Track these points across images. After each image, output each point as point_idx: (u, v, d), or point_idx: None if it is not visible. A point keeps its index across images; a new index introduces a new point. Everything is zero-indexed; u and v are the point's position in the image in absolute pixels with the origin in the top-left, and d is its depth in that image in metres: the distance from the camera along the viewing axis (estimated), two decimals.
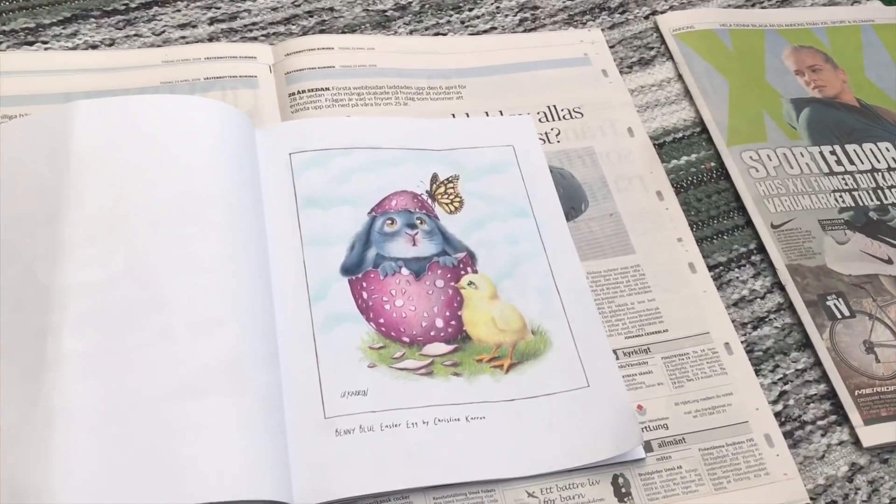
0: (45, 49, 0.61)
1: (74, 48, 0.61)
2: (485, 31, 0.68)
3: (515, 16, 0.69)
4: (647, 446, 0.49)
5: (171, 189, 0.50)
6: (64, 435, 0.42)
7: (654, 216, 0.59)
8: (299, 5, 0.67)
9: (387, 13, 0.68)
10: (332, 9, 0.67)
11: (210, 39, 0.64)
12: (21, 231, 0.48)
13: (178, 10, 0.65)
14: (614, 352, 0.52)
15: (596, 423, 0.48)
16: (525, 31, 0.69)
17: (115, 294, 0.46)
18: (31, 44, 0.61)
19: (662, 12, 0.71)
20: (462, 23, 0.68)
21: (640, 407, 0.50)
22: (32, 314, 0.45)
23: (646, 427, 0.50)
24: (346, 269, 0.52)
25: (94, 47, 0.62)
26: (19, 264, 0.47)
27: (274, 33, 0.65)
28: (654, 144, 0.63)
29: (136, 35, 0.63)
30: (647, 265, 0.56)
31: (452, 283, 0.53)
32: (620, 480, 0.48)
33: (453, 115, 0.62)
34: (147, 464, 0.42)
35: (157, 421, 0.43)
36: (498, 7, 0.70)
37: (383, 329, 0.51)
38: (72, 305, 0.45)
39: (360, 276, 0.52)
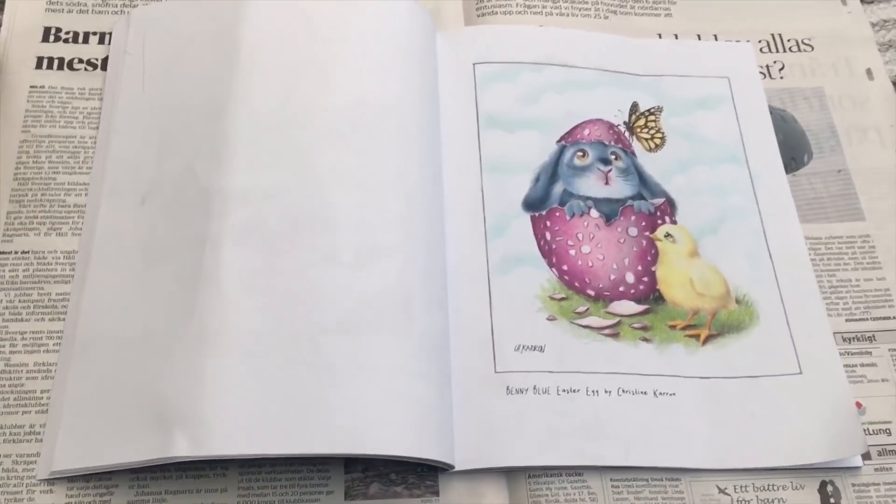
0: None
1: None
2: None
3: None
4: (866, 455, 0.41)
5: (346, 92, 0.44)
6: (217, 358, 0.38)
7: (891, 179, 0.49)
8: None
9: None
10: None
11: None
12: (185, 122, 0.44)
13: None
14: (833, 336, 0.44)
15: (808, 419, 0.41)
16: None
17: (279, 205, 0.41)
18: None
19: None
20: None
21: (858, 405, 0.43)
22: (192, 218, 0.41)
23: (865, 430, 0.42)
24: (529, 205, 0.46)
25: None
26: (182, 160, 0.43)
27: None
28: None
29: None
30: (880, 237, 0.47)
31: (647, 233, 0.46)
32: (830, 489, 0.41)
33: (659, 36, 0.54)
34: (301, 402, 0.37)
35: (316, 355, 0.38)
36: None
37: (567, 278, 0.44)
38: (233, 214, 0.41)
39: (544, 213, 0.46)
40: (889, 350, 0.44)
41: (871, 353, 0.44)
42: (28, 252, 0.43)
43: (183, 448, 0.36)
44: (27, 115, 0.47)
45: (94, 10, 0.51)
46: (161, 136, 0.45)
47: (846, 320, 0.45)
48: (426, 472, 0.40)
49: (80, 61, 0.49)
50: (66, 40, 0.49)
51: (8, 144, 0.46)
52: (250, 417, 0.37)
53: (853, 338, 0.45)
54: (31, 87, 0.48)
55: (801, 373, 0.43)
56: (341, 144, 0.43)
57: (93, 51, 0.49)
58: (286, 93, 0.44)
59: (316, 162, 0.42)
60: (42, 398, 0.40)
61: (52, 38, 0.49)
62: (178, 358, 0.38)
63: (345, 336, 0.39)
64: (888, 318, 0.45)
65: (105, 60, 0.49)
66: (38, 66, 0.48)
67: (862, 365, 0.44)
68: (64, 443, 0.38)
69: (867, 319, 0.45)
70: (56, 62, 0.49)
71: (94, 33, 0.50)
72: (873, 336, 0.45)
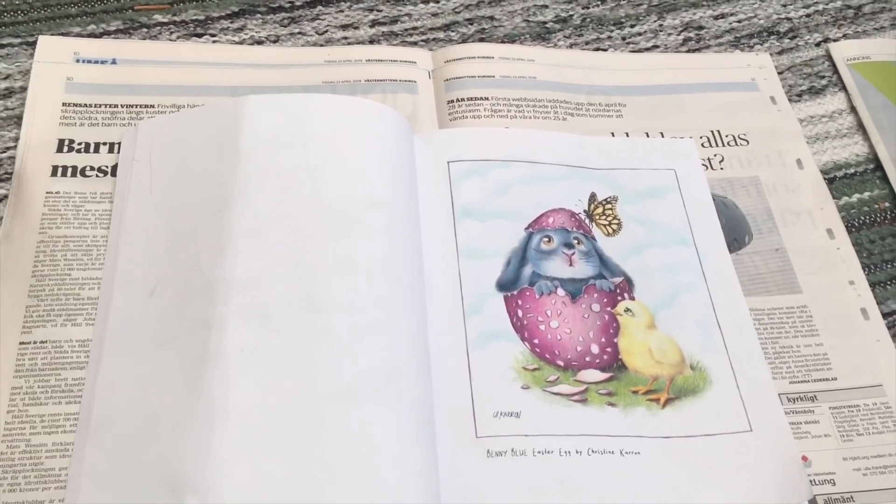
0: (213, 42, 0.62)
1: (241, 42, 0.62)
2: (646, 50, 0.66)
3: (679, 35, 0.67)
4: (813, 502, 0.46)
5: (335, 189, 0.50)
6: (224, 429, 0.42)
7: (823, 255, 0.55)
8: (459, 12, 0.66)
9: (547, 25, 0.66)
10: (492, 17, 0.66)
11: (371, 41, 0.64)
12: (190, 220, 0.49)
13: (342, 11, 0.65)
14: (779, 396, 0.49)
15: (759, 471, 0.46)
16: (689, 51, 0.66)
17: (277, 290, 0.46)
18: (199, 35, 0.62)
19: (836, 40, 0.67)
20: (623, 39, 0.66)
21: (804, 458, 0.47)
22: (197, 304, 0.46)
23: (811, 480, 0.46)
24: (502, 285, 0.51)
25: (260, 42, 0.62)
26: (187, 253, 0.48)
27: (434, 39, 0.65)
28: (824, 179, 0.59)
29: (299, 33, 0.63)
30: (816, 307, 0.53)
31: (609, 309, 0.51)
32: None
33: (612, 134, 0.60)
34: (302, 465, 0.41)
35: (314, 422, 0.42)
36: (661, 25, 0.67)
37: (538, 350, 0.49)
38: (235, 299, 0.45)
39: (515, 292, 0.51)
40: (830, 408, 0.49)
41: (813, 411, 0.49)
42: (46, 342, 0.47)
43: None
44: (44, 218, 0.51)
45: (104, 123, 0.56)
46: (168, 233, 0.49)
47: (790, 382, 0.50)
48: None
49: (92, 168, 0.54)
50: (78, 150, 0.55)
51: (27, 245, 0.50)
52: (255, 480, 0.40)
53: (797, 398, 0.50)
54: (48, 192, 0.52)
55: (751, 430, 0.47)
56: (333, 235, 0.48)
57: (103, 159, 0.54)
58: (282, 190, 0.49)
59: (311, 251, 0.47)
60: (60, 475, 0.43)
61: (66, 148, 0.55)
62: (187, 431, 0.42)
63: (341, 405, 0.43)
64: (827, 379, 0.50)
65: (115, 167, 0.54)
66: (54, 174, 0.53)
67: (806, 422, 0.49)
68: None
69: (808, 381, 0.50)
70: (70, 170, 0.54)
71: (105, 143, 0.55)
72: (815, 396, 0.50)
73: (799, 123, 0.62)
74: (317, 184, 0.50)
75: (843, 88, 0.65)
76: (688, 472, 0.46)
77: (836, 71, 0.66)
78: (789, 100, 0.63)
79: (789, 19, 0.69)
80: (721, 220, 0.56)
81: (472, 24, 0.66)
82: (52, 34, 0.60)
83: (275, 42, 0.62)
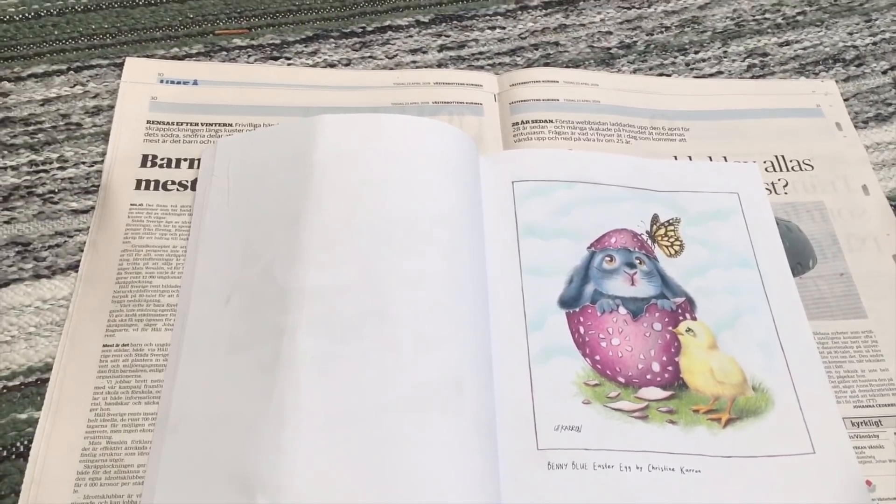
0: (289, 64, 0.65)
1: (314, 65, 0.65)
2: (710, 76, 0.67)
3: (743, 61, 0.68)
4: None
5: (403, 205, 0.51)
6: (293, 433, 0.43)
7: (889, 281, 0.55)
8: (525, 38, 0.68)
9: (611, 51, 0.68)
10: (557, 43, 0.68)
11: (438, 65, 0.66)
12: (264, 232, 0.51)
13: (411, 36, 0.67)
14: (843, 420, 0.49)
15: (822, 493, 0.46)
16: (753, 77, 0.67)
17: (346, 300, 0.47)
18: (275, 59, 0.65)
19: None
20: (687, 65, 0.67)
21: (868, 482, 0.47)
22: (270, 312, 0.48)
23: None
24: (564, 302, 0.52)
25: (332, 66, 0.65)
26: (261, 263, 0.50)
27: (499, 63, 0.66)
28: (891, 205, 0.59)
29: (370, 57, 0.66)
30: (881, 332, 0.53)
31: (670, 328, 0.52)
32: None
33: (675, 158, 0.61)
34: (367, 470, 0.42)
35: (380, 429, 0.44)
36: (725, 52, 0.68)
37: (599, 366, 0.50)
38: (307, 307, 0.47)
39: (577, 310, 0.52)
40: (895, 433, 0.49)
41: (878, 436, 0.49)
42: (127, 345, 0.49)
43: None
44: (128, 229, 0.54)
45: (185, 140, 0.59)
46: (243, 244, 0.52)
47: (854, 406, 0.50)
48: None
49: (174, 183, 0.57)
50: (161, 165, 0.57)
51: (111, 253, 0.53)
52: (322, 482, 0.42)
53: (861, 422, 0.49)
54: (131, 204, 0.55)
55: (814, 452, 0.47)
56: (400, 249, 0.50)
57: (184, 174, 0.57)
58: (352, 204, 0.51)
59: (378, 264, 0.49)
60: (139, 472, 0.45)
61: (149, 163, 0.57)
62: (258, 433, 0.44)
63: (405, 413, 0.44)
64: (893, 404, 0.50)
65: (194, 182, 0.56)
66: (137, 187, 0.56)
67: (870, 447, 0.48)
68: None
69: (873, 406, 0.50)
70: (153, 184, 0.56)
71: (185, 159, 0.58)
72: (880, 421, 0.49)
73: (865, 150, 0.62)
74: (385, 198, 0.51)
75: None
76: (748, 492, 0.46)
77: None
78: (855, 126, 0.63)
79: (855, 47, 0.69)
80: (784, 243, 0.56)
81: (537, 49, 0.67)
82: (139, 56, 0.63)
83: (347, 65, 0.65)
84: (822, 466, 0.47)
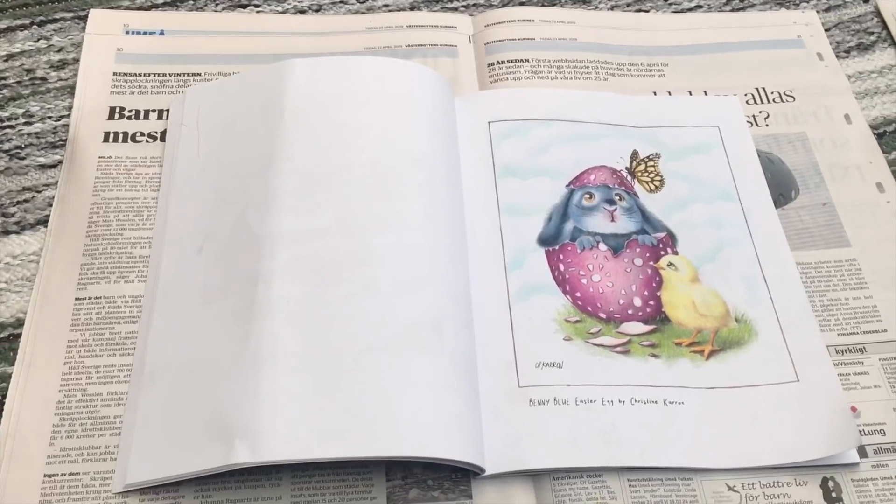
0: (257, 12, 0.63)
1: (284, 12, 0.63)
2: (689, 10, 0.65)
3: None
4: (862, 451, 0.45)
5: (378, 148, 0.50)
6: (271, 377, 0.43)
7: (873, 209, 0.54)
8: None
9: None
10: None
11: (412, 8, 0.64)
12: (237, 180, 0.50)
13: None
14: (827, 348, 0.48)
15: (806, 421, 0.45)
16: (732, 10, 0.65)
17: (323, 245, 0.47)
18: (244, 6, 0.63)
19: None
20: (665, 0, 0.66)
21: (853, 408, 0.47)
22: (245, 260, 0.47)
23: (860, 431, 0.46)
24: (543, 240, 0.51)
25: (302, 12, 0.63)
26: (234, 211, 0.49)
27: (473, 4, 0.65)
28: (874, 134, 0.58)
29: (341, 2, 0.64)
30: (865, 260, 0.52)
31: (651, 263, 0.51)
32: (831, 484, 0.44)
33: (654, 93, 0.60)
34: (347, 412, 0.42)
35: (359, 371, 0.43)
36: None
37: (580, 303, 0.49)
38: (282, 253, 0.46)
39: (556, 247, 0.51)
40: (880, 360, 0.48)
41: (862, 363, 0.48)
42: (100, 297, 0.49)
43: (244, 456, 0.40)
44: (97, 182, 0.53)
45: (153, 91, 0.58)
46: (215, 192, 0.50)
47: (838, 334, 0.49)
48: (459, 478, 0.44)
49: (142, 134, 0.55)
50: (128, 117, 0.56)
51: (81, 207, 0.52)
52: (302, 427, 0.41)
53: (846, 349, 0.49)
54: (100, 157, 0.54)
55: (798, 380, 0.47)
56: (376, 192, 0.49)
57: (152, 125, 0.56)
58: (326, 149, 0.50)
59: (355, 208, 0.48)
60: (115, 422, 0.45)
61: (116, 115, 0.56)
62: (235, 379, 0.43)
63: (384, 355, 0.43)
64: (877, 331, 0.49)
65: (163, 133, 0.55)
66: (105, 139, 0.55)
67: (855, 374, 0.48)
68: (136, 459, 0.43)
69: (858, 333, 0.49)
70: (121, 136, 0.55)
71: (154, 110, 0.57)
72: (864, 348, 0.49)
73: (847, 79, 0.61)
74: (359, 142, 0.50)
75: (893, 44, 0.63)
76: (733, 421, 0.45)
77: (885, 27, 0.64)
78: (837, 56, 0.62)
79: None
80: (766, 175, 0.55)
81: None
82: (103, 7, 0.62)
83: (317, 11, 0.63)
84: (807, 394, 0.46)
